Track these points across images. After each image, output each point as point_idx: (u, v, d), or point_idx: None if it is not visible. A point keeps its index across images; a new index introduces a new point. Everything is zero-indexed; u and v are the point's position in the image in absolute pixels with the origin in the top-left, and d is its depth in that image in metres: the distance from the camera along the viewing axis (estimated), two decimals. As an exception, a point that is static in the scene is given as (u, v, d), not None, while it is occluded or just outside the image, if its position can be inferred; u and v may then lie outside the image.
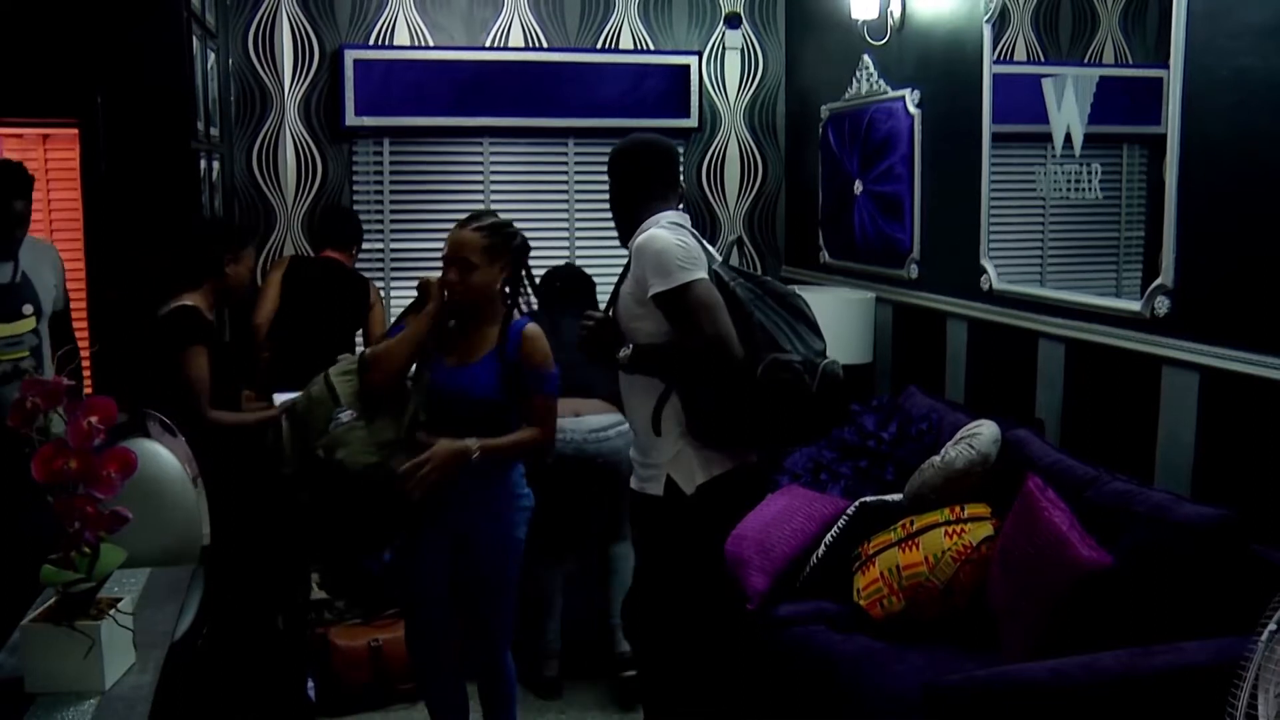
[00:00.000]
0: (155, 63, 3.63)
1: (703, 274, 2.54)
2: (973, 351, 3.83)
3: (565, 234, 5.13)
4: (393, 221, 4.98)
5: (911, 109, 4.11)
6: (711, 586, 2.81)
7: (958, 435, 3.09)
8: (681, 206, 2.80)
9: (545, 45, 5.06)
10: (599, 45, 5.12)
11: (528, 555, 2.87)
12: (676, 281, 2.51)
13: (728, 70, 5.28)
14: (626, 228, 2.78)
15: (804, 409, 2.54)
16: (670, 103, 5.13)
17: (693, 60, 5.15)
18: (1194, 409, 2.80)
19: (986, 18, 3.60)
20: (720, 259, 2.72)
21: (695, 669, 2.80)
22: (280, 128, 4.87)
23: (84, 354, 3.36)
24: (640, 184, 2.76)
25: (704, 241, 2.69)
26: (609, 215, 5.18)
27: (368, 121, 4.85)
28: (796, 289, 4.41)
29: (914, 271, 4.18)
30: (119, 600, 1.97)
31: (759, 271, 5.34)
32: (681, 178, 2.80)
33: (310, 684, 3.52)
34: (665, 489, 2.65)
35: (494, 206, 5.04)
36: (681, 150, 5.24)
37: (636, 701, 3.42)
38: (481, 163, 5.06)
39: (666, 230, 2.60)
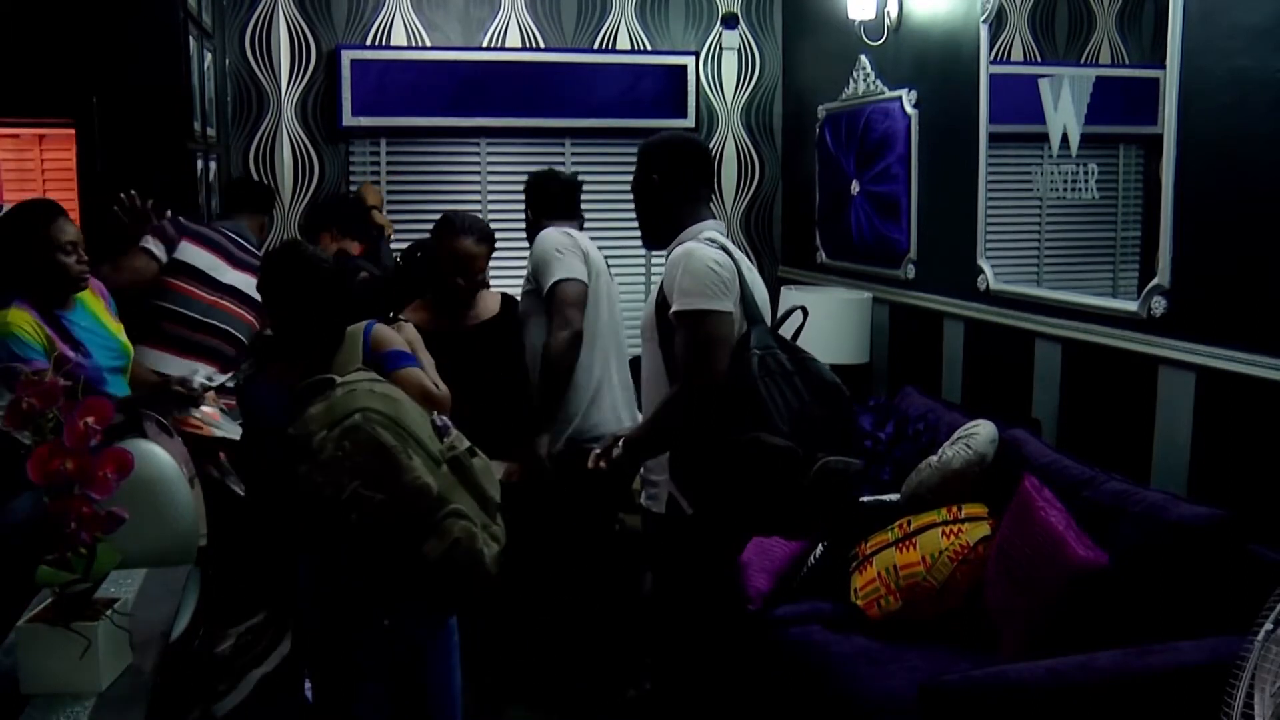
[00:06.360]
0: (151, 63, 3.63)
1: (729, 307, 2.43)
2: (969, 351, 3.84)
3: (562, 234, 5.13)
4: (390, 222, 4.97)
5: (908, 109, 4.11)
6: (720, 599, 2.77)
7: (955, 435, 3.09)
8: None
9: (542, 45, 5.06)
10: (596, 45, 5.12)
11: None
12: (698, 306, 2.40)
13: (725, 70, 5.28)
14: (661, 232, 2.64)
15: (780, 497, 2.39)
16: (667, 103, 5.13)
17: (690, 60, 5.15)
18: (1190, 409, 2.80)
19: (983, 18, 3.61)
20: (753, 278, 2.57)
21: (703, 677, 2.78)
22: (277, 128, 4.87)
23: None
24: (681, 185, 2.61)
25: (741, 261, 2.55)
26: (606, 215, 5.22)
27: (364, 122, 4.85)
28: (793, 289, 4.46)
29: (911, 271, 4.18)
30: (116, 600, 1.97)
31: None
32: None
33: (308, 684, 3.52)
34: (667, 507, 2.59)
35: (491, 207, 5.06)
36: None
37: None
38: (478, 163, 5.06)
39: (707, 248, 2.47)
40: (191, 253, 3.54)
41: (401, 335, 2.72)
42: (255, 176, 4.84)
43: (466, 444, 2.34)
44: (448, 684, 2.55)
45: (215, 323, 3.53)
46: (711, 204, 2.69)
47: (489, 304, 3.59)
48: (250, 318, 3.60)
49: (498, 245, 3.59)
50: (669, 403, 2.49)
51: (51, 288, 2.87)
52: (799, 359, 2.45)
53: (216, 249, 3.60)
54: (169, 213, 3.59)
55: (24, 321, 2.77)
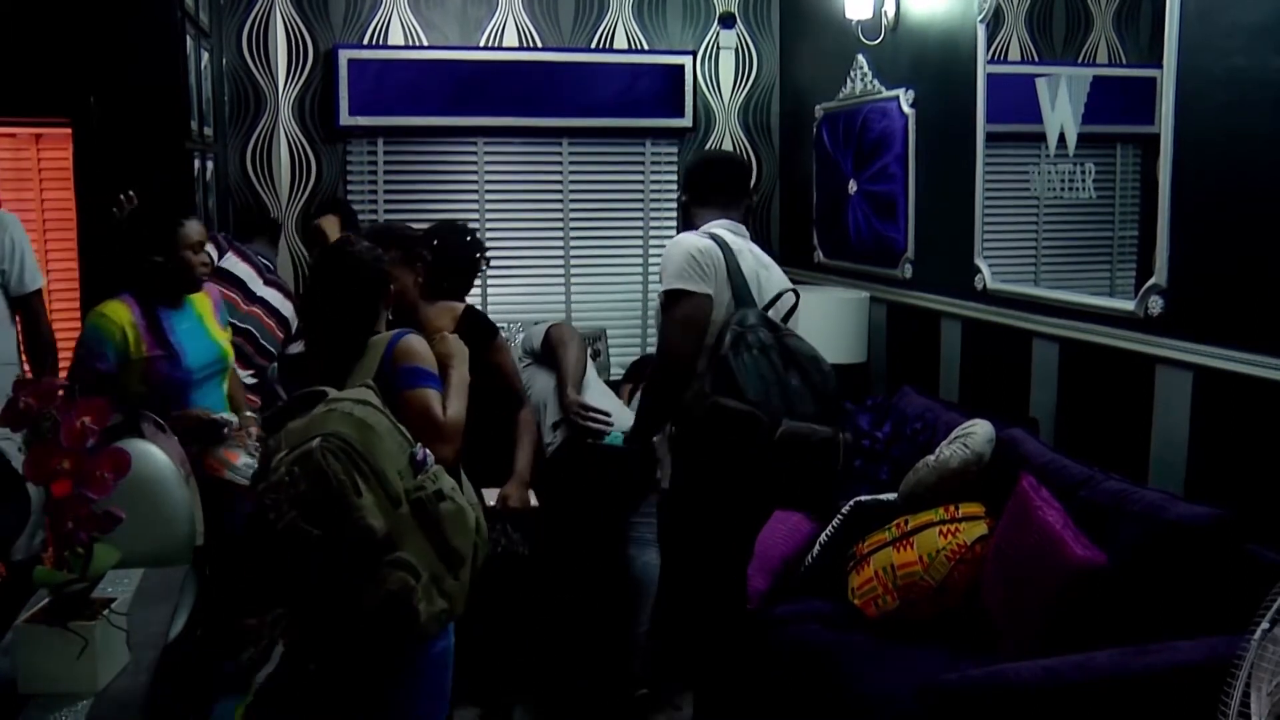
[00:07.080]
0: (149, 62, 3.62)
1: (706, 289, 2.65)
2: (967, 351, 3.84)
3: (560, 234, 5.13)
4: (387, 222, 4.97)
5: (906, 109, 4.11)
6: (710, 585, 2.82)
7: (952, 435, 3.09)
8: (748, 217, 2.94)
9: (540, 45, 5.06)
10: (593, 45, 5.12)
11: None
12: (672, 285, 2.65)
13: (722, 70, 5.28)
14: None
15: (742, 458, 2.57)
16: (665, 102, 5.13)
17: (687, 60, 5.15)
18: (1187, 408, 2.80)
19: (980, 17, 3.61)
20: (752, 266, 2.77)
21: (704, 666, 2.83)
22: (274, 127, 4.86)
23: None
24: (695, 194, 2.93)
25: (734, 247, 2.73)
26: (603, 215, 5.31)
27: (362, 121, 4.85)
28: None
29: (908, 271, 4.18)
30: (113, 600, 1.96)
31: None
32: (748, 190, 3.00)
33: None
34: (671, 481, 2.83)
35: (488, 207, 5.06)
36: (675, 150, 5.25)
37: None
38: (476, 163, 5.06)
39: (696, 237, 2.74)
40: (234, 263, 3.79)
41: (443, 347, 2.53)
42: (252, 177, 4.85)
43: (438, 486, 2.12)
44: (436, 690, 2.50)
45: (249, 328, 3.72)
46: (735, 206, 2.89)
47: (441, 326, 3.08)
48: (276, 330, 3.83)
49: (492, 250, 3.58)
50: (649, 377, 2.79)
51: (171, 285, 2.95)
52: (779, 335, 2.66)
53: (252, 264, 3.85)
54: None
55: (117, 316, 2.84)
